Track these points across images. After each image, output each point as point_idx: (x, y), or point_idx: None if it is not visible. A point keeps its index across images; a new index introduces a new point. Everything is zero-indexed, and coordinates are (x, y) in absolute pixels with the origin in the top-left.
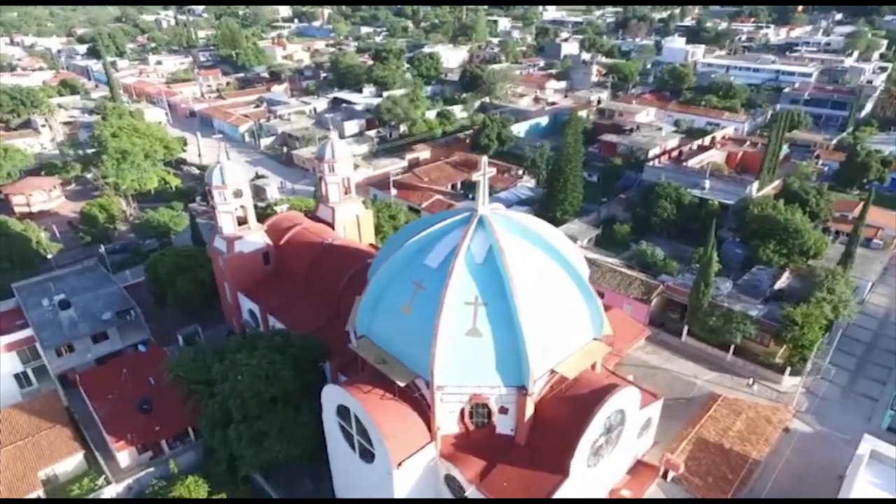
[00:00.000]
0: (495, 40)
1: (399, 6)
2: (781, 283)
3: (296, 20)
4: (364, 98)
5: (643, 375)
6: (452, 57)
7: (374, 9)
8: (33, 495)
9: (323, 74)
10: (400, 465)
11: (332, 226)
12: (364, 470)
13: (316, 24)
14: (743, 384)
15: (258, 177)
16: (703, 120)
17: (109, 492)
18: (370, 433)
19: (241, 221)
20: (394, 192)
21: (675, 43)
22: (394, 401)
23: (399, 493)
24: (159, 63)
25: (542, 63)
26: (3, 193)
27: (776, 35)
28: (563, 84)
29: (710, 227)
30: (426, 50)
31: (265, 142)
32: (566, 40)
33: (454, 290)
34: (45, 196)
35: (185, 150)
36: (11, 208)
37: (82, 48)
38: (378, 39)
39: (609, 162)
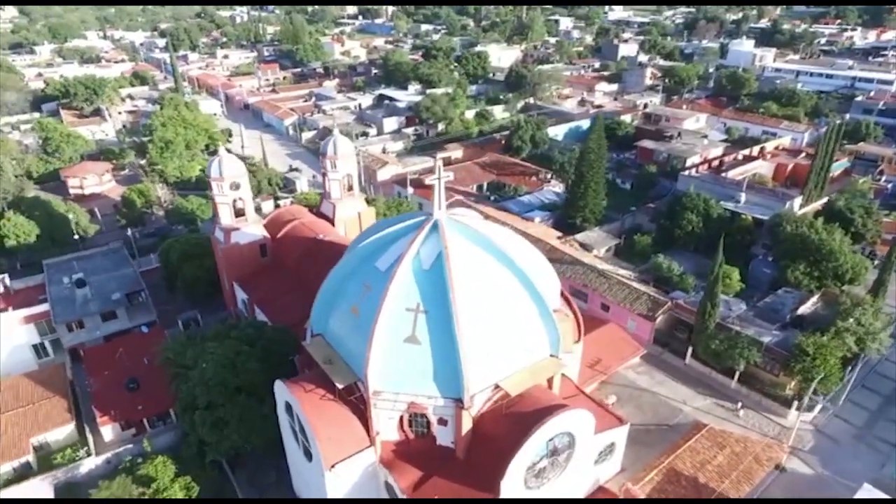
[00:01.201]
0: (552, 40)
1: (462, 6)
2: (806, 308)
3: (360, 17)
4: (408, 95)
5: (628, 397)
6: (505, 56)
7: (436, 7)
8: (23, 460)
9: (374, 71)
10: (333, 466)
11: (332, 222)
12: (307, 467)
13: (379, 21)
14: (738, 412)
15: (292, 170)
16: (759, 129)
17: (89, 463)
18: (307, 432)
19: (240, 213)
20: (410, 190)
21: (743, 46)
22: (334, 402)
23: (332, 495)
24: (226, 57)
25: (597, 64)
26: (63, 176)
27: (863, 38)
28: (614, 87)
29: (719, 242)
30: (478, 49)
31: (306, 136)
32: (626, 41)
33: (395, 294)
34: (97, 180)
35: (230, 142)
36: (67, 189)
37: (162, 42)
38: (436, 37)
39: (644, 169)
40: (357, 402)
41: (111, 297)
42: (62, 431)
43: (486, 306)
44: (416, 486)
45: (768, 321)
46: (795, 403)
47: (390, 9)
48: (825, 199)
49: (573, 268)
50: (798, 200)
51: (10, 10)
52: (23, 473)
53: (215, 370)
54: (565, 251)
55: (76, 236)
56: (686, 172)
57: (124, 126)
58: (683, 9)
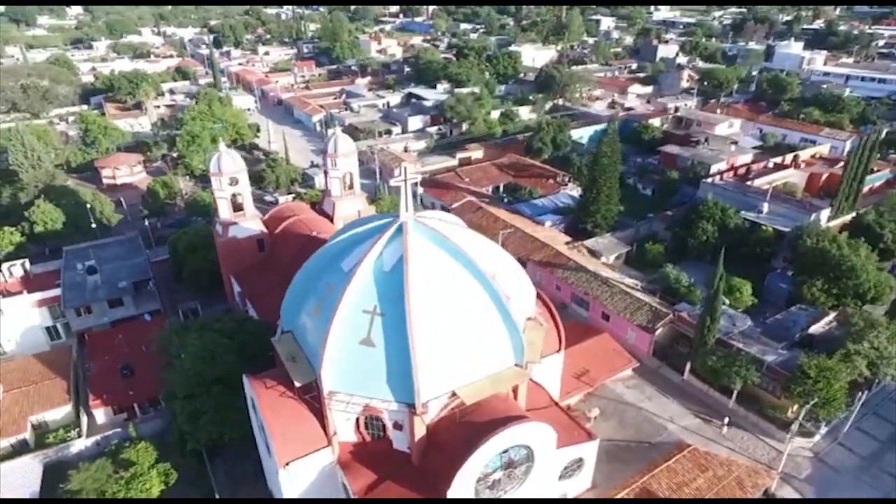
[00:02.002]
0: (591, 40)
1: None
2: (818, 327)
3: (401, 15)
4: (436, 94)
5: (612, 411)
6: (540, 56)
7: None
8: (21, 437)
9: (406, 69)
10: (287, 464)
11: (331, 219)
12: (271, 463)
13: (419, 19)
14: (723, 429)
15: (312, 165)
16: (798, 135)
17: (79, 444)
18: (264, 428)
19: (239, 208)
20: (420, 189)
21: (791, 48)
22: (294, 400)
23: (288, 493)
24: (266, 53)
25: (634, 66)
26: (97, 166)
27: None
28: (649, 89)
29: (719, 254)
30: (511, 48)
31: (332, 132)
32: (666, 42)
33: (352, 296)
34: (129, 171)
35: (257, 137)
36: (101, 179)
37: (209, 38)
38: (473, 36)
39: (665, 175)
40: (315, 401)
41: (118, 285)
42: (60, 412)
43: (444, 312)
44: (369, 490)
45: (775, 339)
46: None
47: (431, 7)
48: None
49: (576, 274)
50: (826, 213)
51: (76, 8)
52: (18, 450)
53: (193, 361)
54: (571, 257)
55: (93, 225)
56: (709, 180)
57: (161, 119)
58: (734, 9)
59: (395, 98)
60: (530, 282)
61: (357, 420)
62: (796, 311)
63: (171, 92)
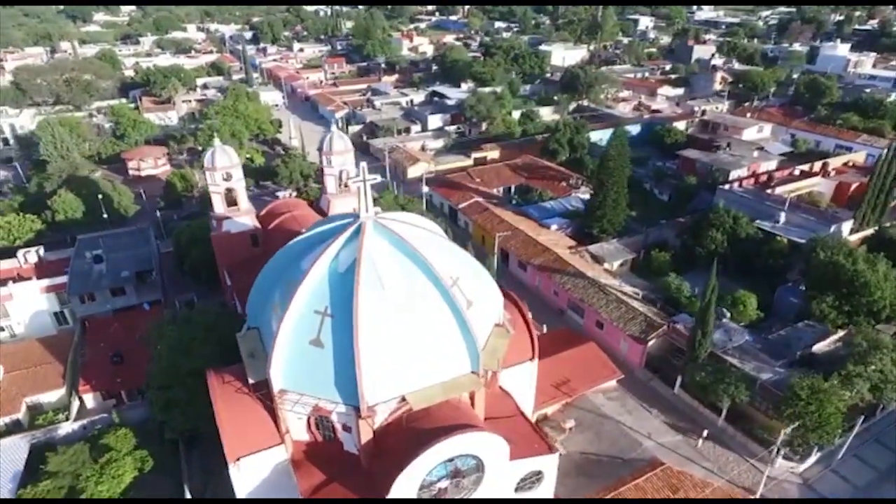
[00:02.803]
0: (626, 40)
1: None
2: (823, 345)
3: (437, 13)
4: (459, 93)
5: (589, 423)
6: (570, 56)
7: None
8: (15, 417)
9: (434, 68)
10: (237, 460)
11: (326, 217)
12: None
13: (453, 17)
14: (698, 443)
15: None
16: (833, 142)
17: (66, 427)
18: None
19: (232, 203)
20: (425, 189)
21: (837, 50)
22: (249, 397)
23: (240, 490)
24: (301, 50)
25: (667, 67)
26: (125, 158)
27: None
28: (679, 91)
29: (714, 265)
30: (542, 47)
31: (353, 129)
32: (704, 42)
33: (304, 296)
34: (153, 163)
35: (279, 132)
36: (127, 170)
37: (248, 35)
38: (506, 35)
39: (682, 180)
40: (267, 398)
41: (121, 274)
42: (54, 395)
43: (395, 316)
44: (315, 490)
45: (775, 356)
46: (784, 451)
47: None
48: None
49: (573, 280)
50: (849, 225)
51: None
52: (11, 429)
53: (168, 353)
54: (570, 262)
55: (105, 215)
56: (727, 186)
57: (191, 113)
58: (784, 8)
59: (418, 96)
60: (497, 287)
61: (308, 420)
62: (803, 327)
63: (205, 87)
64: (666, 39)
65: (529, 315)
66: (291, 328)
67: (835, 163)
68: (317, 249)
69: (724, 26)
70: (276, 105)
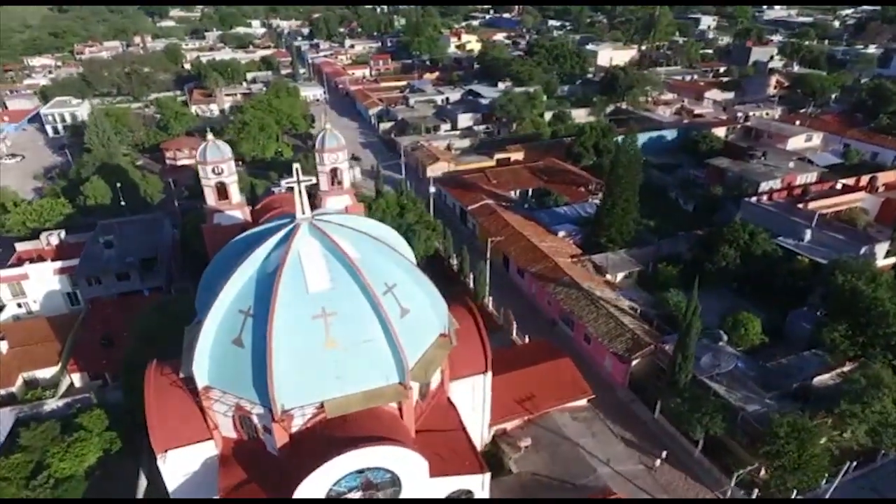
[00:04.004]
0: (681, 40)
1: (596, 5)
2: (824, 378)
3: (491, 11)
4: (494, 92)
5: (547, 443)
6: (619, 56)
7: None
8: (10, 390)
9: (477, 66)
10: (164, 452)
11: None
12: None
13: (507, 15)
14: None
15: (353, 158)
16: (892, 154)
17: (51, 404)
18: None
19: (224, 196)
20: (432, 189)
21: None
22: (182, 390)
23: (169, 483)
24: (352, 46)
25: (722, 69)
26: (162, 148)
27: None
28: (730, 94)
29: (695, 283)
30: (589, 47)
31: (384, 126)
32: (766, 44)
33: (231, 294)
34: (188, 153)
35: (312, 127)
36: (164, 160)
37: (306, 31)
38: (559, 34)
39: (708, 190)
40: (196, 393)
41: (126, 260)
42: (49, 372)
43: (316, 320)
44: (233, 490)
45: (769, 386)
46: (757, 491)
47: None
48: None
49: (567, 291)
50: (884, 247)
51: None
52: (7, 401)
53: (136, 339)
54: (568, 271)
55: (122, 202)
56: (754, 198)
57: (233, 107)
58: (868, 7)
59: (454, 94)
60: (440, 297)
61: (234, 418)
62: (809, 356)
63: (253, 81)
64: (727, 40)
65: (483, 326)
66: (217, 326)
67: (887, 177)
68: (256, 248)
69: (794, 26)
70: (317, 100)
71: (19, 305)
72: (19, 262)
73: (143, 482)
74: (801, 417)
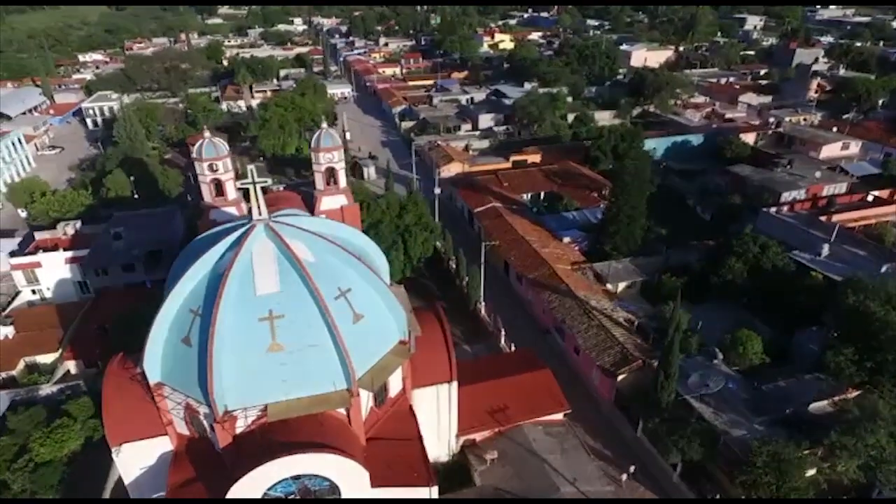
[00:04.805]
0: (723, 41)
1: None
2: (821, 405)
3: (530, 10)
4: (519, 92)
5: (514, 458)
6: (653, 57)
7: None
8: (11, 373)
9: (506, 65)
10: (119, 445)
11: (313, 213)
12: None
13: (545, 14)
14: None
15: (370, 156)
16: None
17: (46, 389)
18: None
19: (220, 193)
20: (437, 190)
21: None
22: (141, 385)
23: (125, 476)
24: (386, 45)
25: (762, 71)
26: (188, 142)
27: None
28: (767, 98)
29: (677, 299)
30: (623, 47)
31: (405, 125)
32: (812, 45)
33: (183, 293)
34: None
35: (334, 125)
36: (190, 154)
37: (344, 28)
38: (596, 33)
39: (727, 199)
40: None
41: (132, 252)
42: (49, 357)
43: (262, 322)
44: (180, 487)
45: (760, 410)
46: None
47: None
48: None
49: (561, 299)
50: None
51: None
52: (7, 384)
53: (116, 329)
54: (565, 279)
55: (135, 196)
56: (773, 209)
57: (261, 104)
58: None
59: (480, 94)
60: (398, 304)
61: (185, 415)
62: (810, 380)
63: (285, 78)
64: (773, 41)
65: (449, 334)
66: (169, 324)
67: None
68: (208, 248)
69: (847, 27)
70: (345, 98)
71: (33, 292)
72: (36, 251)
73: (115, 472)
74: (786, 446)
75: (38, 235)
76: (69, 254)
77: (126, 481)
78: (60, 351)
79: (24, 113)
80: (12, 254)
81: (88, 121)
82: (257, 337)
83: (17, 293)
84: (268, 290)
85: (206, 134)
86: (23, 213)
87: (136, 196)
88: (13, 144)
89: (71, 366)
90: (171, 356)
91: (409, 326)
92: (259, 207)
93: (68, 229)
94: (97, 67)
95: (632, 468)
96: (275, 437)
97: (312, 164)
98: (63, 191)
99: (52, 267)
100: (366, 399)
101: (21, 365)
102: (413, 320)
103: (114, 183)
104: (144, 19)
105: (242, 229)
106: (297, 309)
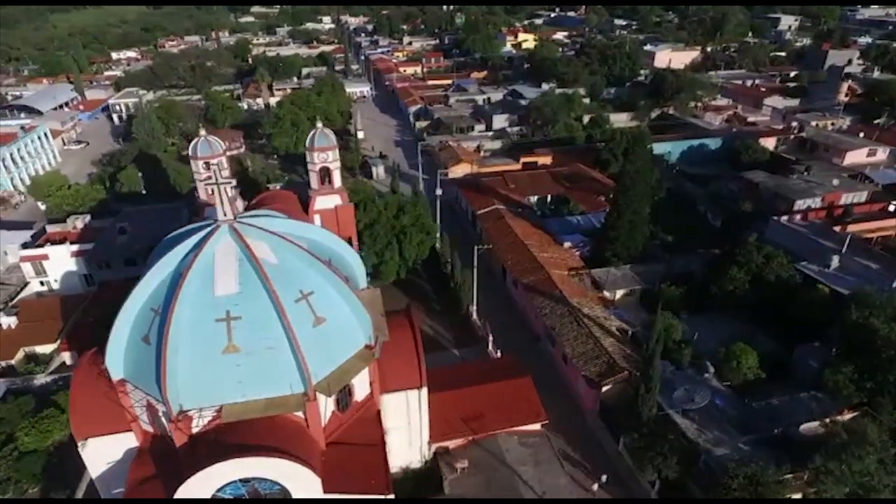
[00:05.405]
0: (753, 41)
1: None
2: (813, 426)
3: (557, 9)
4: (536, 93)
5: (484, 467)
6: (678, 58)
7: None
8: (10, 362)
9: (526, 65)
10: (85, 440)
11: (307, 212)
12: None
13: (572, 14)
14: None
15: (381, 156)
16: None
17: (41, 379)
18: None
19: None
20: (439, 191)
21: None
22: (109, 381)
23: (92, 471)
24: (409, 43)
25: (792, 73)
26: None
27: None
28: (793, 101)
29: (659, 308)
30: (647, 48)
31: (420, 125)
32: (848, 46)
33: (145, 292)
34: (227, 145)
35: (349, 124)
36: None
37: (370, 27)
38: (624, 32)
39: (738, 206)
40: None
41: (133, 247)
42: (48, 348)
43: (219, 323)
44: (139, 484)
45: (747, 429)
46: None
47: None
48: None
49: (553, 306)
50: None
51: None
52: (2, 373)
53: (100, 325)
54: (559, 285)
55: (143, 191)
56: (784, 217)
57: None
58: None
59: (497, 94)
60: (364, 309)
61: (147, 413)
62: (805, 398)
63: (307, 76)
64: (807, 42)
65: (419, 340)
66: (131, 322)
67: None
68: (173, 247)
69: (889, 27)
70: (364, 96)
71: (41, 283)
72: (45, 243)
73: None
74: (765, 468)
75: (50, 228)
76: (75, 247)
77: (93, 475)
78: (58, 342)
79: (54, 109)
80: (24, 245)
81: (115, 116)
82: (213, 338)
83: (26, 284)
84: (226, 291)
85: (202, 132)
86: (42, 206)
87: (144, 192)
88: (39, 139)
89: (67, 357)
90: (132, 354)
91: (376, 331)
92: (224, 208)
93: (78, 223)
94: (128, 64)
95: (603, 477)
96: (228, 438)
97: (307, 163)
98: (77, 185)
99: (58, 259)
100: (325, 403)
101: (20, 354)
102: (382, 325)
103: (127, 178)
104: (179, 18)
105: (207, 229)
106: (254, 310)
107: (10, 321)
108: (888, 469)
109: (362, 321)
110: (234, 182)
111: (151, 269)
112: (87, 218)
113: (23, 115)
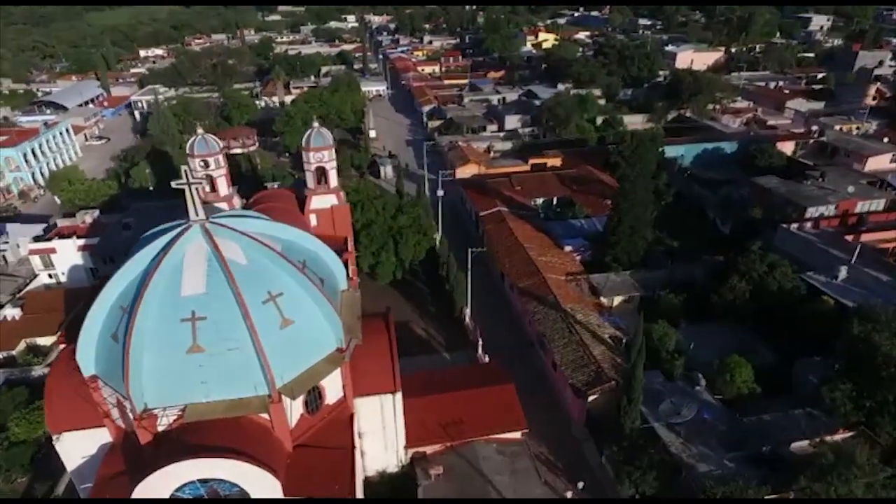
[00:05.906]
0: (780, 41)
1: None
2: (803, 444)
3: (581, 9)
4: (552, 93)
5: (459, 475)
6: (700, 59)
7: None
8: (11, 352)
9: (543, 65)
10: (60, 434)
11: (304, 211)
12: None
13: (595, 13)
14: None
15: (390, 155)
16: None
17: (38, 371)
18: None
19: (213, 189)
20: (440, 192)
21: None
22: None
23: (67, 464)
24: (430, 42)
25: (820, 75)
26: (220, 137)
27: None
28: (819, 104)
29: (640, 318)
30: (669, 48)
31: (432, 124)
32: (880, 47)
33: (115, 290)
34: (241, 143)
35: (362, 123)
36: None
37: (392, 26)
38: (648, 32)
39: (746, 212)
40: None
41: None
42: (48, 340)
43: (184, 323)
44: (107, 481)
45: (734, 445)
46: None
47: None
48: None
49: (545, 311)
50: None
51: None
52: (8, 363)
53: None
54: (554, 290)
55: (150, 188)
56: (794, 225)
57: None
58: None
59: (512, 94)
60: (335, 312)
61: (117, 410)
62: (800, 415)
63: (326, 75)
64: (838, 42)
65: (394, 345)
66: (102, 320)
67: None
68: (144, 246)
69: None
70: (380, 95)
71: (50, 276)
72: (54, 237)
73: None
74: (746, 488)
75: (61, 222)
76: (81, 241)
77: (68, 468)
78: (58, 334)
79: (80, 105)
80: (36, 239)
81: (136, 113)
82: (178, 337)
83: (35, 276)
84: (193, 291)
85: (199, 131)
86: (58, 201)
87: (151, 188)
88: (61, 135)
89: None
90: (103, 351)
91: (348, 334)
92: (195, 208)
93: (87, 218)
94: (153, 62)
95: (580, 484)
96: (190, 438)
97: (304, 163)
98: (90, 180)
99: (66, 253)
100: (290, 405)
101: (22, 345)
102: (356, 327)
103: (138, 174)
104: (208, 16)
105: (179, 229)
106: (220, 311)
107: (14, 312)
108: (876, 494)
109: (333, 324)
110: (204, 183)
111: (122, 268)
112: (96, 213)
113: (49, 110)
